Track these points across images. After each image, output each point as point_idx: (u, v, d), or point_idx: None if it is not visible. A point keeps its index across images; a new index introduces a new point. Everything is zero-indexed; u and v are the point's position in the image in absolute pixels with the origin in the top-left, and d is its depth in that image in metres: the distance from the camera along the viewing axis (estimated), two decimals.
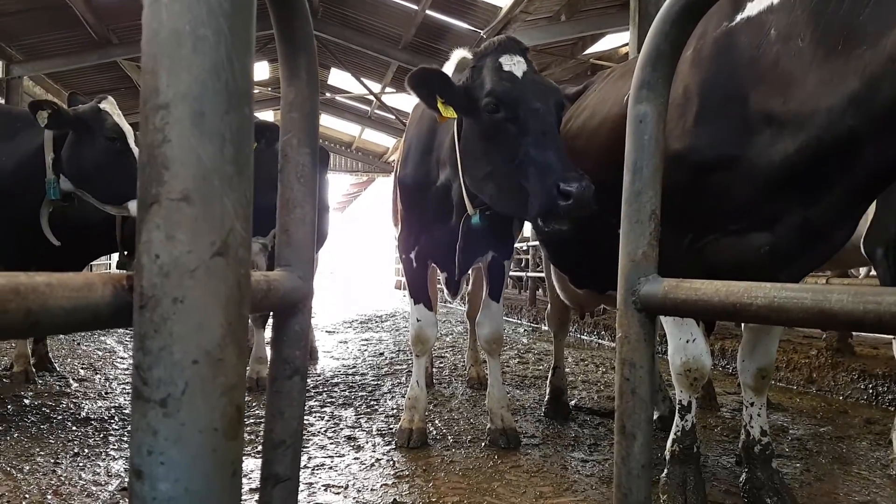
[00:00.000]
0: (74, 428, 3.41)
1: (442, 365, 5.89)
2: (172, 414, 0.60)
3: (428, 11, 10.51)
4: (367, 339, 7.76)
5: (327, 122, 21.23)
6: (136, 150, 3.65)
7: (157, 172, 0.61)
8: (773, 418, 4.03)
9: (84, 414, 3.71)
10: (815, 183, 1.98)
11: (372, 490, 2.60)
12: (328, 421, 3.70)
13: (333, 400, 4.27)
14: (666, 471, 2.54)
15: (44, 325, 0.59)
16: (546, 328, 4.58)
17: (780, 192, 2.04)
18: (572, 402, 4.21)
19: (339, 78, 16.42)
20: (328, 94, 17.57)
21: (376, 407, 4.09)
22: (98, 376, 4.87)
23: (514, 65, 2.67)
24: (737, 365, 2.72)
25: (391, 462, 2.96)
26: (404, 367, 5.60)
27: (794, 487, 2.69)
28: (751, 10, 2.06)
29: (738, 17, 2.10)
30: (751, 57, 2.02)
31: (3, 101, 10.78)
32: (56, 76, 12.32)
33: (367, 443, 3.27)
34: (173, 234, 0.60)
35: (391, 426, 3.55)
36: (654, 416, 3.83)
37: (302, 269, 1.00)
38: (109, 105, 3.85)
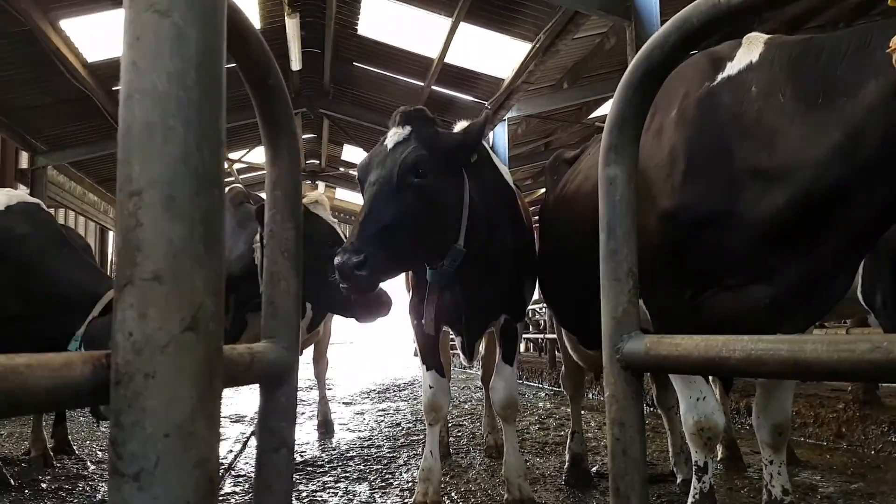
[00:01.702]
0: None
1: (460, 433, 5.78)
2: (146, 488, 0.62)
3: (434, 87, 10.86)
4: (384, 410, 7.67)
5: (343, 195, 21.64)
6: None
7: (130, 255, 0.65)
8: (802, 476, 3.90)
9: (100, 496, 3.67)
10: (810, 234, 2.00)
11: None
12: (341, 497, 3.63)
13: (348, 474, 4.20)
14: None
15: (25, 405, 0.62)
16: (564, 390, 4.54)
17: (775, 245, 2.05)
18: (594, 469, 4.10)
19: (351, 153, 16.88)
20: (342, 169, 17.99)
21: (391, 480, 4.01)
22: None
23: (390, 137, 2.83)
24: (752, 422, 2.66)
25: None
26: (421, 437, 5.51)
27: None
28: (731, 69, 2.13)
29: (720, 77, 2.17)
30: (734, 114, 2.07)
31: (28, 190, 11.15)
32: (79, 164, 12.76)
33: None
34: (145, 311, 0.64)
35: (406, 500, 3.48)
36: (678, 480, 3.74)
37: (287, 340, 1.02)
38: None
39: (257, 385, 1.02)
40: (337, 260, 2.48)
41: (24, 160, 11.51)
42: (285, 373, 1.01)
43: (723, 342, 0.97)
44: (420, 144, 2.74)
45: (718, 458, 4.17)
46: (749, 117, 2.06)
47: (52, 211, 13.36)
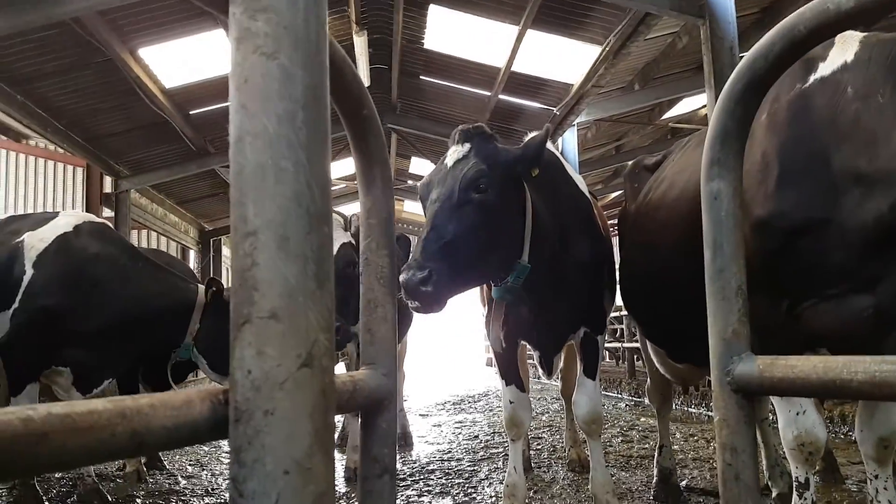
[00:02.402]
0: None
1: (540, 447, 5.71)
2: None
3: (501, 96, 10.84)
4: (460, 422, 7.66)
5: (411, 207, 21.89)
6: None
7: (247, 294, 0.66)
8: None
9: None
10: None
11: None
12: None
13: (430, 489, 4.21)
14: None
15: (148, 444, 0.64)
16: (649, 402, 4.41)
17: (878, 252, 1.93)
18: (683, 483, 3.97)
19: (419, 166, 17.06)
20: (410, 182, 18.22)
21: (474, 495, 3.99)
22: (205, 472, 5.03)
23: (450, 155, 2.83)
24: (855, 434, 2.51)
25: None
26: (500, 450, 5.47)
27: None
28: (824, 70, 2.02)
29: (812, 79, 2.06)
30: (829, 117, 1.97)
31: (113, 214, 11.79)
32: (159, 186, 13.40)
33: None
34: (263, 349, 0.65)
35: None
36: (774, 494, 3.56)
37: (386, 367, 1.02)
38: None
39: None
40: (402, 277, 2.49)
41: (108, 184, 12.17)
42: (385, 399, 1.01)
43: (843, 363, 0.91)
44: (479, 160, 2.74)
45: (815, 471, 3.95)
46: (846, 120, 1.95)
47: (135, 232, 14.14)
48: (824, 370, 0.92)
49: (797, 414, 2.29)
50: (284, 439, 0.64)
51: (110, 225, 4.72)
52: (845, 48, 1.98)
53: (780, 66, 0.95)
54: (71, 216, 4.39)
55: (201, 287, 4.33)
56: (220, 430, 0.70)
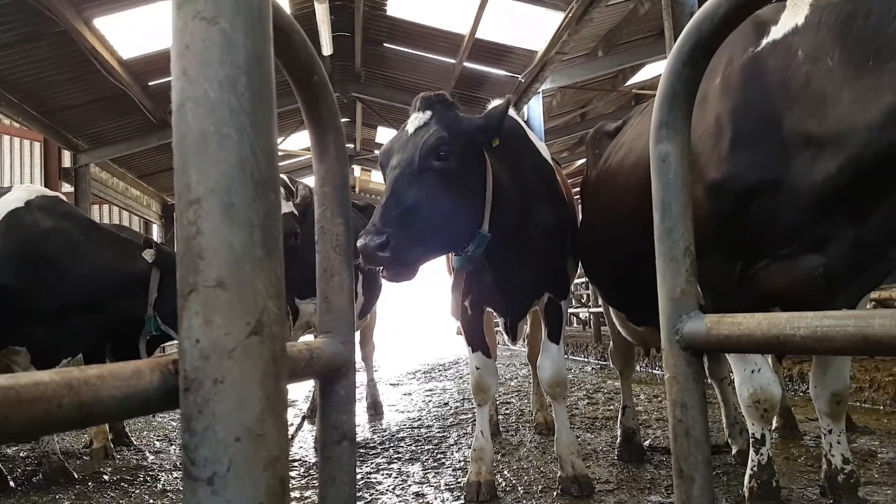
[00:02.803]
0: (152, 501, 3.50)
1: (508, 411, 5.81)
2: (219, 491, 0.63)
3: (466, 63, 10.74)
4: (430, 390, 7.74)
5: (379, 177, 21.73)
6: None
7: (193, 262, 0.65)
8: (860, 442, 3.81)
9: (160, 486, 3.81)
10: (863, 200, 1.93)
11: None
12: (395, 478, 3.69)
13: (400, 455, 4.27)
14: None
15: (97, 415, 0.64)
16: (612, 365, 4.52)
17: (828, 213, 1.99)
18: (646, 443, 4.08)
19: (385, 135, 16.91)
20: (376, 152, 18.05)
21: (443, 460, 4.06)
22: (173, 447, 5.01)
23: (411, 122, 2.84)
24: (810, 392, 2.60)
25: None
26: (470, 416, 5.55)
27: None
28: (776, 33, 2.05)
29: (764, 42, 2.09)
30: (780, 80, 2.00)
31: (72, 189, 11.48)
32: (120, 160, 13.06)
33: (435, 499, 3.25)
34: (211, 318, 0.64)
35: (459, 479, 3.52)
36: (733, 451, 3.69)
37: (343, 335, 1.03)
38: None
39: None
40: (359, 242, 2.48)
41: (66, 159, 11.83)
42: (343, 367, 1.02)
43: (786, 319, 0.94)
44: (441, 128, 2.74)
45: (773, 427, 4.10)
46: (796, 83, 1.99)
47: (96, 207, 13.80)
48: (768, 326, 0.95)
49: (752, 372, 2.36)
50: (235, 407, 0.64)
51: (63, 198, 4.58)
52: (796, 11, 2.00)
53: (726, 28, 0.96)
54: (23, 191, 4.26)
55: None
56: (170, 399, 0.70)
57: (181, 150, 0.67)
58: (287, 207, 4.04)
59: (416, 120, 2.81)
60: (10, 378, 0.59)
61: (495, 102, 3.56)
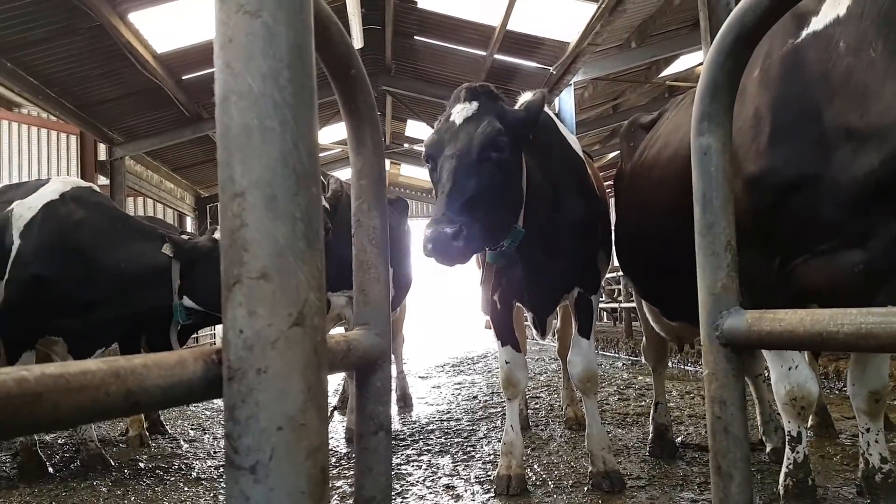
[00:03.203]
0: (186, 488, 3.57)
1: (538, 405, 5.79)
2: (262, 480, 0.64)
3: (496, 56, 10.70)
4: (459, 383, 7.76)
5: (407, 171, 21.80)
6: None
7: (237, 254, 0.66)
8: None
9: (195, 474, 3.88)
10: None
11: None
12: (426, 469, 3.71)
13: (430, 447, 4.29)
14: None
15: (143, 404, 0.65)
16: (644, 360, 4.46)
17: (869, 207, 1.94)
18: (678, 439, 4.04)
19: (415, 129, 16.92)
20: (406, 145, 18.10)
21: (473, 453, 4.07)
22: (207, 436, 5.10)
23: (458, 113, 2.77)
24: (846, 389, 2.55)
25: None
26: (499, 409, 5.55)
27: None
28: (816, 24, 2.00)
29: (804, 34, 2.04)
30: (821, 72, 1.95)
31: (108, 181, 11.73)
32: (154, 153, 13.30)
33: (465, 491, 3.26)
34: (254, 309, 0.65)
35: (489, 473, 3.52)
36: (767, 448, 3.64)
37: (379, 327, 1.04)
38: None
39: None
40: (430, 232, 2.44)
41: (102, 152, 12.08)
42: (379, 359, 1.02)
43: (830, 316, 0.92)
44: (494, 118, 2.71)
45: (809, 426, 4.03)
46: (838, 75, 1.94)
47: (130, 200, 14.07)
48: (811, 323, 0.93)
49: (789, 369, 2.32)
50: (277, 396, 0.65)
51: (96, 188, 4.68)
52: (838, 2, 1.95)
53: (770, 18, 0.94)
54: (59, 182, 4.36)
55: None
56: (213, 389, 0.71)
57: (225, 143, 0.68)
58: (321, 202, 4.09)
59: (463, 110, 2.78)
60: (60, 366, 0.60)
61: (527, 95, 3.55)
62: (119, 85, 9.87)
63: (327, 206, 4.15)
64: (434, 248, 2.44)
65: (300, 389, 0.66)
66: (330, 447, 4.34)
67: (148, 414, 5.26)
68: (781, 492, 2.41)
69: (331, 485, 3.48)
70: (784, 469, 2.42)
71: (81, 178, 11.27)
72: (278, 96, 0.67)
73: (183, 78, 10.11)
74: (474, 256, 4.15)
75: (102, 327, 4.21)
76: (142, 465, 4.18)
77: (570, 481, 3.32)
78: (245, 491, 0.64)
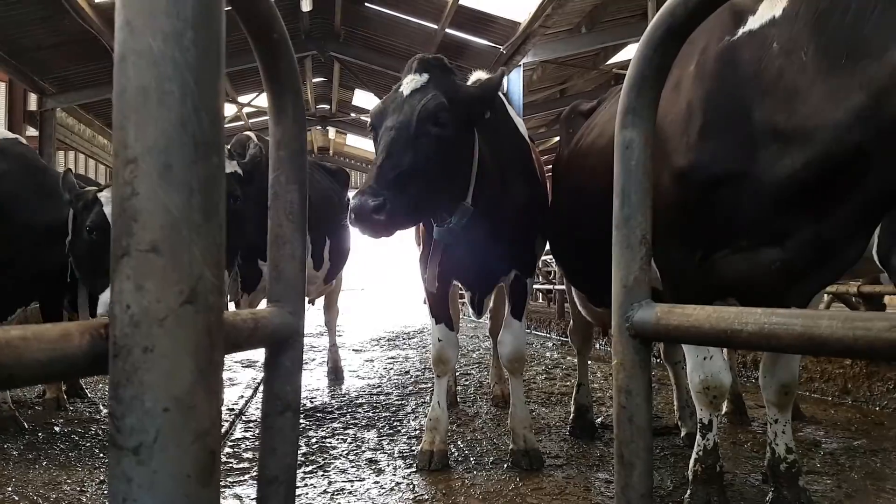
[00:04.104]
0: (102, 455, 3.47)
1: (467, 383, 5.86)
2: (145, 461, 0.61)
3: (448, 30, 10.60)
4: (393, 357, 7.77)
5: (354, 141, 21.47)
6: None
7: (126, 225, 0.62)
8: (805, 431, 3.93)
9: None
10: (825, 198, 1.95)
11: None
12: (350, 443, 3.71)
13: (357, 421, 4.28)
14: (689, 491, 2.49)
15: (18, 378, 0.61)
16: (571, 342, 4.58)
17: (790, 208, 2.01)
18: (598, 420, 4.15)
19: (363, 98, 16.64)
20: (353, 115, 17.81)
21: (399, 428, 4.09)
22: None
23: (407, 84, 2.74)
24: (759, 381, 2.66)
25: (411, 486, 2.95)
26: (429, 385, 5.59)
27: None
28: (752, 23, 2.04)
29: (740, 32, 2.08)
30: (754, 71, 2.00)
31: (37, 133, 11.13)
32: (87, 107, 12.68)
33: (388, 466, 3.27)
34: (142, 284, 0.62)
35: (413, 448, 3.55)
36: (682, 433, 3.78)
37: (292, 305, 1.01)
38: None
39: None
40: (353, 202, 2.42)
41: (32, 102, 11.44)
42: (291, 337, 1.00)
43: (735, 314, 0.94)
44: (440, 93, 2.67)
45: (723, 412, 4.21)
46: (769, 75, 1.98)
47: (61, 153, 13.40)
48: (717, 320, 0.95)
49: (704, 359, 2.41)
50: (164, 376, 0.62)
51: (22, 140, 4.42)
52: (775, 2, 1.99)
53: (700, 14, 0.94)
54: None
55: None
56: (99, 364, 0.67)
57: (120, 104, 0.64)
58: (231, 167, 3.88)
59: (412, 82, 2.73)
60: None
61: (478, 74, 3.52)
62: (53, 33, 9.34)
63: (240, 171, 3.95)
64: (356, 219, 2.43)
65: (189, 370, 0.63)
66: (256, 419, 4.29)
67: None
68: (690, 476, 2.51)
69: (252, 456, 3.44)
70: (694, 455, 2.51)
71: (8, 128, 10.66)
72: (180, 58, 0.63)
73: None
74: (415, 232, 4.14)
75: (20, 286, 4.00)
76: (57, 429, 4.03)
77: (491, 458, 3.38)
78: (127, 472, 0.62)
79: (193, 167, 0.64)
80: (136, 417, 0.62)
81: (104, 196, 3.64)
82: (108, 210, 3.54)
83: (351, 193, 6.55)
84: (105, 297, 3.34)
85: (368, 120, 2.85)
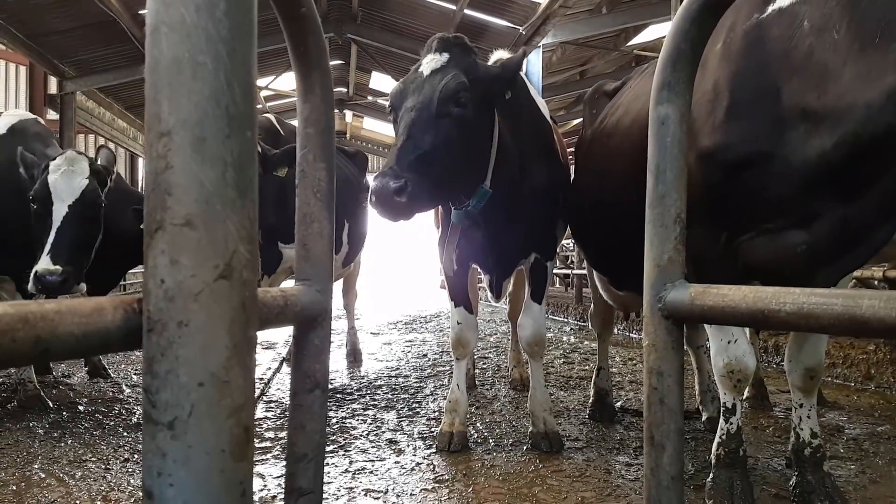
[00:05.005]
0: (125, 434, 3.52)
1: (485, 366, 5.87)
2: (180, 436, 0.61)
3: (466, 11, 10.50)
4: (410, 341, 7.80)
5: (371, 125, 21.42)
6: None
7: (160, 198, 0.62)
8: (828, 417, 3.90)
9: (135, 419, 3.82)
10: (854, 180, 1.90)
11: (411, 495, 2.61)
12: (370, 424, 3.73)
13: (376, 403, 4.31)
14: (712, 475, 2.47)
15: (54, 352, 0.61)
16: (591, 326, 4.56)
17: (817, 190, 1.96)
18: (618, 404, 4.14)
19: (380, 81, 16.57)
20: (370, 98, 17.75)
21: (418, 410, 4.10)
22: None
23: (426, 64, 2.70)
24: (784, 365, 2.63)
25: (431, 466, 2.96)
26: (447, 368, 5.60)
27: (848, 490, 2.59)
28: (782, 1, 1.98)
29: (770, 9, 2.03)
30: (783, 49, 1.95)
31: (57, 117, 11.22)
32: (107, 90, 12.75)
33: (408, 446, 3.29)
34: (177, 258, 0.61)
35: (433, 429, 3.56)
36: (703, 417, 3.76)
37: (320, 283, 1.00)
38: (68, 162, 3.61)
39: None
40: (375, 184, 2.39)
41: (52, 86, 11.53)
42: (319, 316, 0.99)
43: (772, 294, 0.92)
44: (460, 72, 2.64)
45: (745, 397, 4.18)
46: (799, 54, 1.93)
47: (81, 137, 13.51)
48: (754, 300, 0.93)
49: (728, 342, 2.38)
50: (199, 351, 0.62)
51: (40, 120, 4.46)
52: None
53: None
54: (7, 117, 4.18)
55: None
56: (133, 339, 0.67)
57: (153, 77, 0.63)
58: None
59: (432, 61, 2.69)
60: None
61: (499, 53, 3.48)
62: (72, 16, 9.37)
63: (259, 149, 3.91)
64: (377, 202, 2.40)
65: (224, 345, 0.63)
66: (276, 398, 4.33)
67: (89, 358, 5.15)
68: (713, 460, 2.49)
69: (275, 435, 3.47)
70: (717, 439, 2.49)
71: (30, 111, 10.76)
72: (213, 30, 0.62)
73: (140, 13, 9.66)
74: (434, 215, 4.13)
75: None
76: (81, 408, 4.10)
77: (511, 440, 3.38)
78: (162, 447, 0.62)
79: (227, 141, 0.63)
80: (171, 392, 0.61)
81: (54, 165, 3.60)
82: (52, 179, 3.53)
83: (370, 177, 6.56)
84: (40, 269, 3.34)
85: (386, 102, 2.82)
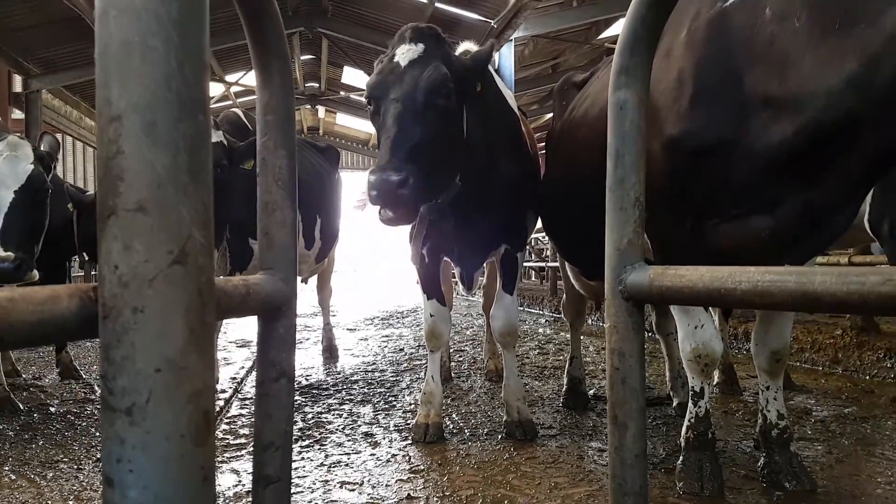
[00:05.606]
0: (98, 434, 3.47)
1: (461, 358, 5.89)
2: (138, 422, 0.61)
3: (437, 4, 10.50)
4: (387, 336, 7.79)
5: (343, 120, 21.30)
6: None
7: (112, 184, 0.61)
8: (796, 400, 3.98)
9: None
10: (816, 165, 1.94)
11: (387, 486, 2.61)
12: (346, 418, 3.73)
13: (352, 397, 4.30)
14: (682, 458, 2.52)
15: (7, 340, 0.61)
16: (564, 317, 4.60)
17: (780, 176, 2.00)
18: (591, 392, 4.19)
19: (352, 76, 16.46)
20: (342, 93, 17.64)
21: (394, 403, 4.11)
22: None
23: (402, 54, 2.66)
24: (750, 348, 2.69)
25: (407, 457, 2.97)
26: (423, 362, 5.61)
27: (815, 470, 2.65)
28: None
29: None
30: (746, 37, 1.98)
31: (23, 116, 10.98)
32: (74, 88, 12.51)
33: (384, 439, 3.29)
34: (130, 244, 0.61)
35: (408, 421, 3.57)
36: (674, 403, 3.82)
37: (284, 272, 1.00)
38: (10, 147, 3.50)
39: None
40: (374, 178, 2.32)
41: (17, 84, 11.28)
42: (283, 305, 0.99)
43: (728, 273, 0.94)
44: (440, 63, 2.62)
45: (715, 383, 4.25)
46: (761, 42, 1.97)
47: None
48: (710, 279, 0.95)
49: (696, 328, 2.42)
50: (155, 337, 0.62)
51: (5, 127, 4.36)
52: None
53: None
54: None
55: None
56: (89, 327, 0.66)
57: (103, 61, 0.62)
58: (217, 137, 3.80)
59: (408, 52, 2.65)
60: None
61: (466, 45, 3.48)
62: (37, 12, 9.17)
63: (224, 141, 3.85)
64: (379, 196, 2.33)
65: (181, 331, 0.63)
66: (251, 396, 4.30)
67: (61, 358, 5.07)
68: (683, 443, 2.53)
69: (249, 433, 3.45)
70: (686, 422, 2.54)
71: None
72: (163, 12, 0.62)
73: None
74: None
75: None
76: (53, 409, 4.03)
77: (486, 429, 3.40)
78: (120, 433, 0.61)
79: (179, 125, 0.63)
80: (128, 378, 0.61)
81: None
82: None
83: (345, 173, 6.48)
84: None
85: (360, 97, 2.80)
